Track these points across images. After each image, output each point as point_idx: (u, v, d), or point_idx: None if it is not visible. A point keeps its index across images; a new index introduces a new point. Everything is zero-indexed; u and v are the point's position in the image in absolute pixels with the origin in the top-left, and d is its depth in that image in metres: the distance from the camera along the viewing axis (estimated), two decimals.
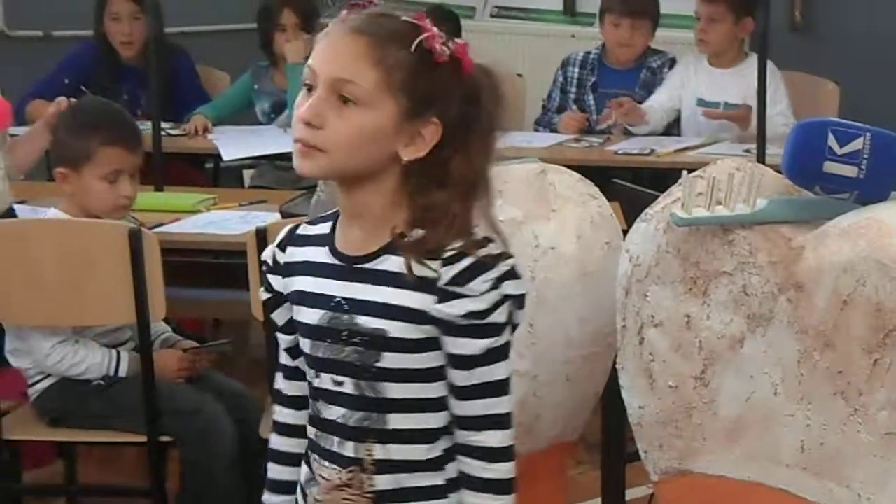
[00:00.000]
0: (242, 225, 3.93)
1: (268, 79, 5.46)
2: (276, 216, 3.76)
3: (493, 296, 1.93)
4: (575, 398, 2.72)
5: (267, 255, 2.11)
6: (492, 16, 6.81)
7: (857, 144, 2.25)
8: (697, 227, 2.33)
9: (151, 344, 3.45)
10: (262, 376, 3.40)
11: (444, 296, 1.93)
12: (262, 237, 3.22)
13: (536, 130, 5.34)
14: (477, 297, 1.92)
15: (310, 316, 2.02)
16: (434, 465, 2.01)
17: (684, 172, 2.39)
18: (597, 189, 2.76)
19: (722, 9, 5.11)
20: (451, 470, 2.01)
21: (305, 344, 2.04)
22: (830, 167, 2.25)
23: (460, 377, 1.97)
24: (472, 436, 1.99)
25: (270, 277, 2.10)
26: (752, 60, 4.78)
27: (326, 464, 2.04)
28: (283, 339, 2.12)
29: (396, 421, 1.99)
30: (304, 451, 2.11)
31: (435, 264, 1.93)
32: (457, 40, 1.96)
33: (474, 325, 1.94)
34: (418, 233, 1.95)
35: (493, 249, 1.95)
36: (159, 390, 3.40)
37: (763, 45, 4.49)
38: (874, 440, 2.19)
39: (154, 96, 4.68)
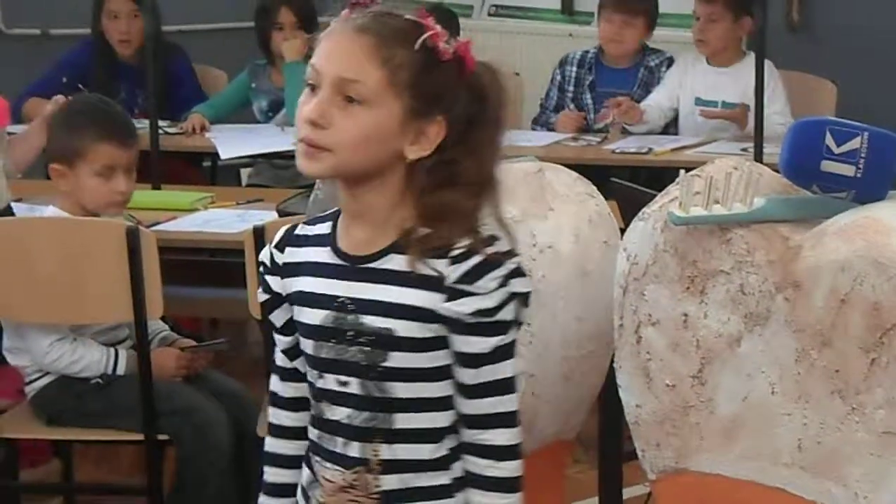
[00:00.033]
0: (240, 223, 3.93)
1: (265, 77, 5.46)
2: (274, 215, 3.75)
3: (501, 293, 1.93)
4: (572, 397, 2.72)
5: (264, 256, 2.10)
6: (489, 14, 6.81)
7: (854, 143, 2.24)
8: (695, 226, 2.33)
9: (149, 342, 3.45)
10: (259, 375, 3.40)
11: (453, 294, 1.93)
12: (259, 236, 3.22)
13: (534, 129, 5.34)
14: (485, 294, 1.92)
15: (313, 316, 2.01)
16: (440, 464, 2.01)
17: (682, 171, 2.38)
18: (594, 188, 2.75)
19: (720, 8, 5.11)
20: (456, 469, 2.01)
21: (308, 345, 2.03)
22: (828, 166, 2.25)
23: (468, 375, 1.97)
24: (480, 434, 1.98)
25: (269, 278, 2.08)
26: (750, 60, 4.77)
27: (329, 465, 2.03)
28: (282, 341, 2.10)
29: (403, 420, 1.99)
30: (300, 454, 2.10)
31: (442, 262, 1.93)
32: (459, 38, 1.96)
33: (483, 323, 1.93)
34: (425, 231, 1.95)
35: (500, 247, 1.95)
36: (157, 389, 3.40)
37: (761, 44, 4.49)
38: (871, 439, 2.19)
39: (151, 95, 4.67)
